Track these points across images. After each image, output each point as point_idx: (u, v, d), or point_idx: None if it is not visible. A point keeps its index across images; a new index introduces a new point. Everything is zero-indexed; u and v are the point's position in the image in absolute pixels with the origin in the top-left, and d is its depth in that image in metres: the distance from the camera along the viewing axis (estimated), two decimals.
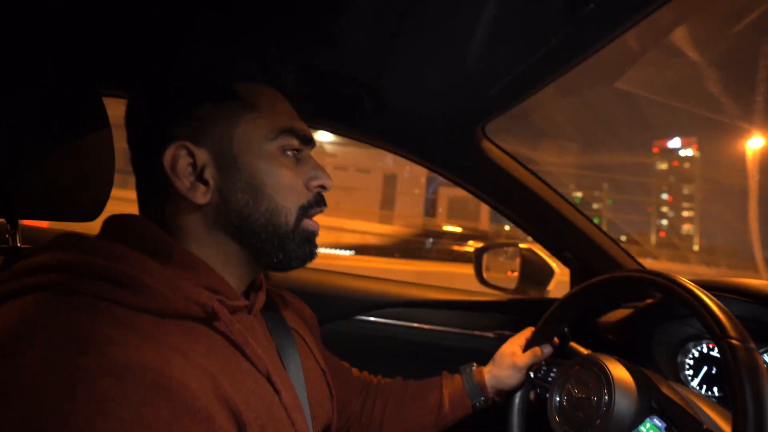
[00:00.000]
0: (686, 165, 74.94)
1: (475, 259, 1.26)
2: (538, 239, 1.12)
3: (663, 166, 76.53)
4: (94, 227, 0.51)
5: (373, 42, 0.63)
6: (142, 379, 0.30)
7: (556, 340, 0.77)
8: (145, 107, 0.47)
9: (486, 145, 0.94)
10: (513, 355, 0.74)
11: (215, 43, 0.61)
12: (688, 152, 75.34)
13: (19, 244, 0.55)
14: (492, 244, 1.30)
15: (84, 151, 0.55)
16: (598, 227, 1.05)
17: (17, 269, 0.36)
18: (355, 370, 0.78)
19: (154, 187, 0.47)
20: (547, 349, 0.74)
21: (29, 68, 0.50)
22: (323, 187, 0.51)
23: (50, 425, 0.26)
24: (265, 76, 0.50)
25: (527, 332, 0.77)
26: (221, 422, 0.33)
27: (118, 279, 0.35)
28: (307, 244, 0.50)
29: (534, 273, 1.17)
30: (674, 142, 76.55)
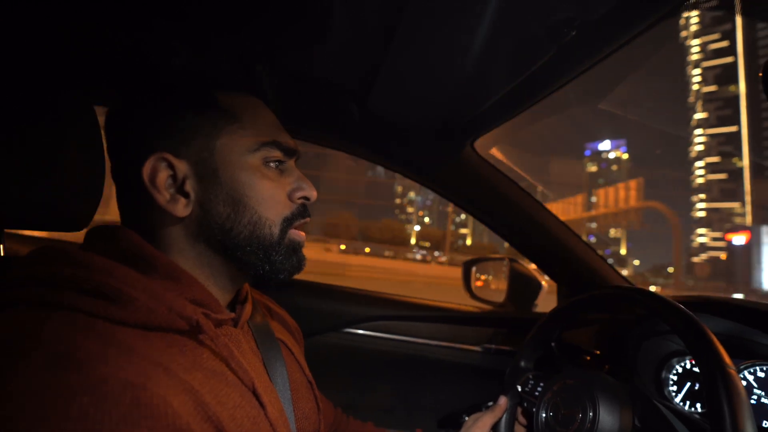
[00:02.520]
0: (614, 167, 76.01)
1: (464, 271, 1.27)
2: (525, 253, 1.13)
3: (593, 168, 77.45)
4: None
5: (363, 53, 0.64)
6: (121, 396, 0.29)
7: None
8: (125, 117, 0.47)
9: (475, 160, 0.96)
10: (475, 419, 0.73)
11: (196, 51, 0.61)
12: (616, 154, 76.47)
13: (3, 254, 0.54)
14: (481, 258, 1.31)
15: (73, 160, 0.54)
16: (584, 242, 1.06)
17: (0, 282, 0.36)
18: (330, 402, 0.76)
19: (135, 198, 0.46)
20: (502, 401, 0.73)
21: (18, 76, 0.50)
22: (306, 198, 0.51)
23: None
24: (248, 84, 0.50)
25: (496, 408, 0.75)
26: None
27: (101, 291, 0.35)
28: (294, 255, 0.49)
29: (522, 287, 1.18)
30: (604, 145, 77.51)
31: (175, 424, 0.31)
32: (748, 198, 67.24)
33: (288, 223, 0.48)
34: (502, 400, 0.73)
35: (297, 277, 0.52)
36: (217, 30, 0.60)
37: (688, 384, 0.77)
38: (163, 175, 0.43)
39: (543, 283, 1.17)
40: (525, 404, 0.73)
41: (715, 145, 70.84)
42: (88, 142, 0.56)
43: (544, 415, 0.63)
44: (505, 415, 0.72)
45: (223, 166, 0.45)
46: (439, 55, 0.61)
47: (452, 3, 0.49)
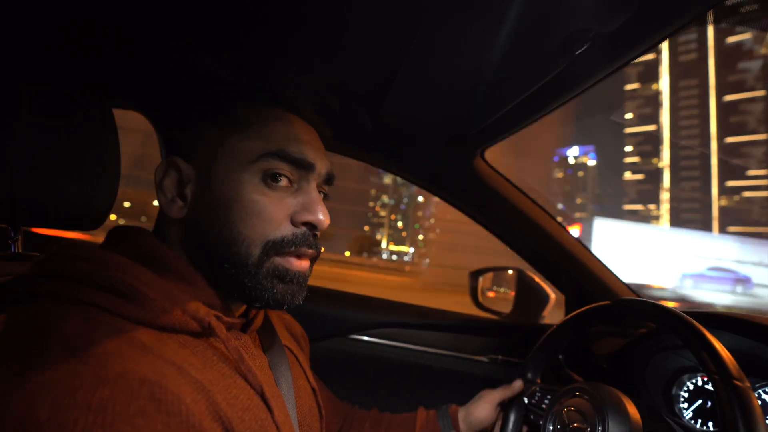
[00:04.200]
0: (579, 173, 73.91)
1: (471, 281, 1.26)
2: (534, 264, 1.12)
3: (559, 174, 74.97)
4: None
5: (378, 63, 0.65)
6: (139, 391, 0.30)
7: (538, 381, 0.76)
8: (155, 123, 0.49)
9: (485, 169, 0.96)
10: (487, 392, 0.75)
11: (216, 62, 0.62)
12: (582, 160, 74.17)
13: (20, 251, 0.55)
14: (488, 268, 1.30)
15: (90, 161, 0.55)
16: (593, 254, 1.05)
17: (21, 277, 0.37)
18: (338, 401, 0.77)
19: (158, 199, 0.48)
20: (517, 384, 0.74)
21: (37, 78, 0.51)
22: (312, 225, 0.45)
23: None
24: (270, 96, 0.49)
25: (508, 388, 0.76)
26: None
27: (118, 289, 0.36)
28: (279, 283, 0.43)
29: (530, 298, 1.17)
30: (573, 151, 74.85)
31: (189, 421, 0.32)
32: (666, 198, 66.01)
33: (273, 246, 0.43)
34: (518, 383, 0.74)
35: None
36: (231, 39, 0.61)
37: (699, 401, 0.76)
38: (171, 178, 0.45)
39: (551, 294, 1.16)
40: (532, 417, 0.72)
41: (635, 144, 69.89)
42: (105, 143, 0.57)
43: (551, 427, 0.62)
44: (510, 428, 0.72)
45: (217, 175, 0.44)
46: (452, 67, 0.62)
47: (467, 16, 0.50)
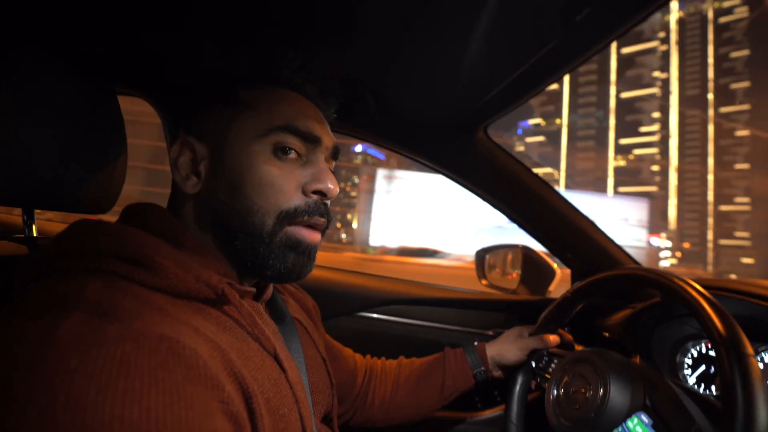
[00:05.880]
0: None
1: (477, 259, 1.27)
2: (539, 240, 1.13)
3: (521, 148, 70.85)
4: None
5: (379, 45, 0.65)
6: (158, 346, 0.32)
7: (565, 334, 0.79)
8: (163, 106, 0.51)
9: (488, 145, 0.96)
10: (519, 336, 0.79)
11: (223, 46, 0.63)
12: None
13: (35, 234, 0.57)
14: (494, 245, 1.31)
15: (98, 146, 0.57)
16: (598, 228, 1.06)
17: (47, 252, 0.39)
18: (358, 355, 0.81)
19: (172, 178, 0.50)
20: (554, 338, 0.76)
21: (48, 65, 0.52)
22: (323, 194, 0.47)
23: (78, 383, 0.28)
24: (272, 78, 0.51)
25: (542, 337, 0.79)
26: (229, 392, 0.35)
27: (136, 260, 0.38)
28: (290, 253, 0.46)
29: (535, 274, 1.18)
30: (536, 122, 70.64)
31: (207, 374, 0.33)
32: (563, 160, 63.98)
33: (287, 216, 0.45)
34: (553, 339, 0.76)
35: None
36: (239, 28, 0.62)
37: (703, 367, 0.77)
38: (186, 157, 0.48)
39: (557, 269, 1.17)
40: (538, 380, 0.74)
41: (538, 105, 67.25)
42: (112, 127, 0.58)
43: (555, 391, 0.64)
44: (517, 390, 0.74)
45: (230, 151, 0.46)
46: (452, 43, 0.62)
47: None
